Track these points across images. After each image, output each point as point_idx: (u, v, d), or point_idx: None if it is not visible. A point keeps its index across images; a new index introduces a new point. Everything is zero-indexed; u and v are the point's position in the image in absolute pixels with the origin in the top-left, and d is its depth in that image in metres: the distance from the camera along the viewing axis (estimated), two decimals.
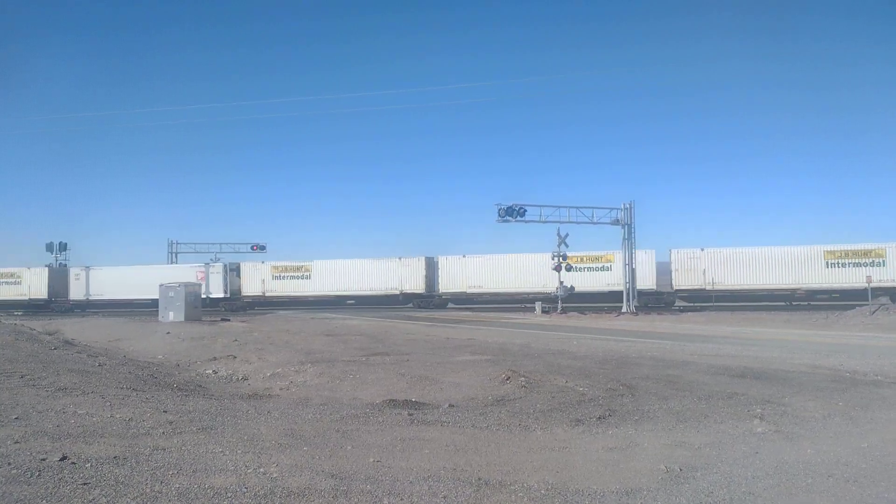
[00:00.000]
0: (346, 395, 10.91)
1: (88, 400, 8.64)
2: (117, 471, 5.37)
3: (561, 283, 37.37)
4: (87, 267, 48.18)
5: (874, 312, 27.28)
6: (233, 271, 46.23)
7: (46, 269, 48.98)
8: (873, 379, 11.65)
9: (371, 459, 6.08)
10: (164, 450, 6.11)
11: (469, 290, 42.31)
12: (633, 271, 37.06)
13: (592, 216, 36.86)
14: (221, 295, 45.23)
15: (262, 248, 56.92)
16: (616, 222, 37.04)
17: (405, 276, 43.30)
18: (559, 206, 36.38)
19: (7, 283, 48.32)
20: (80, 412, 7.69)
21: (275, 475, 5.45)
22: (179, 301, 28.78)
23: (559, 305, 37.19)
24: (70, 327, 25.82)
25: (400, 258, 43.86)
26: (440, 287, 42.94)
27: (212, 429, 7.17)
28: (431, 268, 43.61)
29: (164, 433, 6.85)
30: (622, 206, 37.07)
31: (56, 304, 47.52)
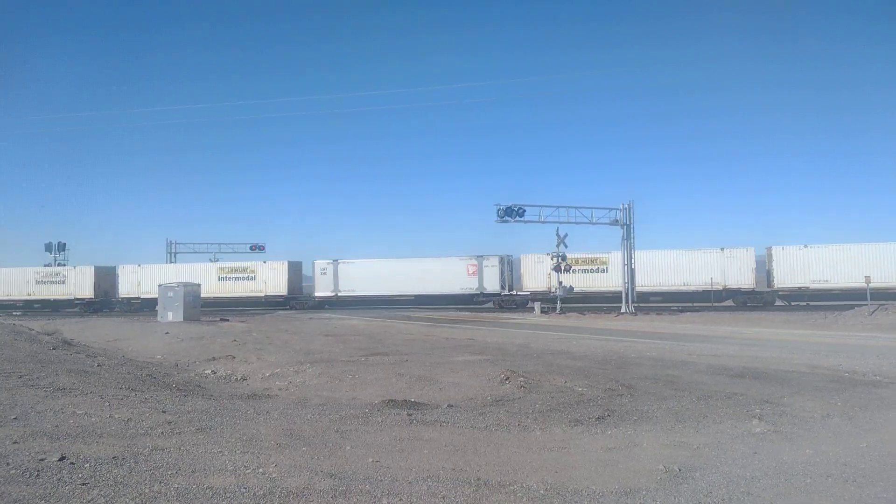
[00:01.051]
0: (345, 396, 10.90)
1: (87, 400, 8.64)
2: (116, 471, 5.37)
3: (560, 283, 37.37)
4: (335, 260, 44.56)
5: (873, 313, 27.29)
6: (509, 264, 43.21)
7: (285, 263, 46.06)
8: (872, 379, 11.65)
9: (370, 459, 6.08)
10: (163, 450, 6.11)
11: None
12: (632, 271, 37.06)
13: (592, 216, 36.85)
14: (497, 290, 42.31)
15: (262, 248, 56.94)
16: (615, 222, 37.04)
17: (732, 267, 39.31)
18: (558, 207, 36.39)
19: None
20: (78, 412, 7.69)
21: (274, 475, 5.45)
22: (178, 301, 28.75)
23: (558, 305, 37.19)
24: (69, 327, 25.79)
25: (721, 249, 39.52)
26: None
27: (211, 429, 7.17)
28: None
29: (162, 433, 6.85)
30: (621, 207, 37.07)
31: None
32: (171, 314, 28.54)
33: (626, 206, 37.03)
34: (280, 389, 11.92)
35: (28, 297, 46.82)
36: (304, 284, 48.36)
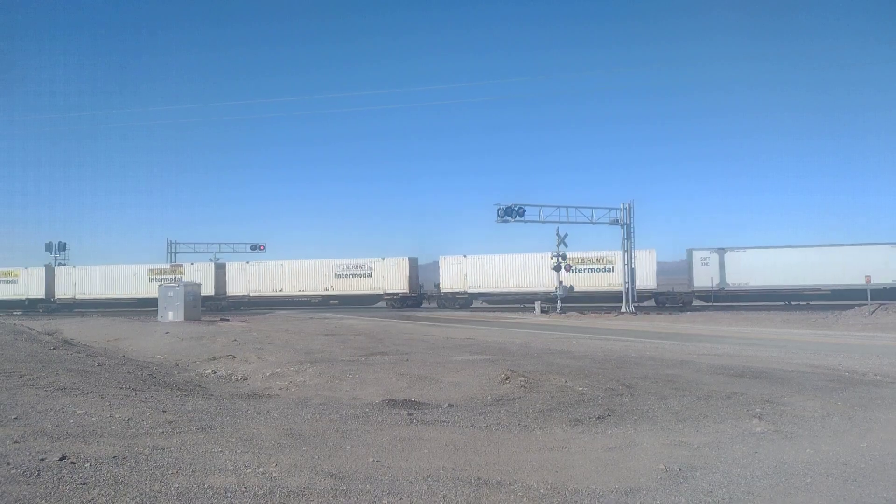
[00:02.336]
0: (345, 395, 10.91)
1: (88, 400, 8.64)
2: (116, 470, 5.37)
3: (560, 282, 37.37)
4: (721, 249, 40.48)
5: (873, 312, 27.28)
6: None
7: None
8: (872, 379, 11.65)
9: (370, 459, 6.08)
10: (164, 449, 6.11)
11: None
12: (632, 271, 37.06)
13: (592, 216, 36.90)
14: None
15: (262, 248, 56.92)
16: (615, 222, 37.07)
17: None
18: (558, 206, 36.45)
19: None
20: (79, 412, 7.69)
21: (274, 475, 5.45)
22: (178, 301, 28.78)
23: (559, 305, 37.19)
24: (69, 327, 25.80)
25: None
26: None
27: (211, 428, 7.17)
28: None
29: (163, 433, 6.85)
30: (621, 206, 37.11)
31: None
32: (171, 314, 28.56)
33: (627, 205, 37.06)
34: (280, 389, 11.93)
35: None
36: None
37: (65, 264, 51.36)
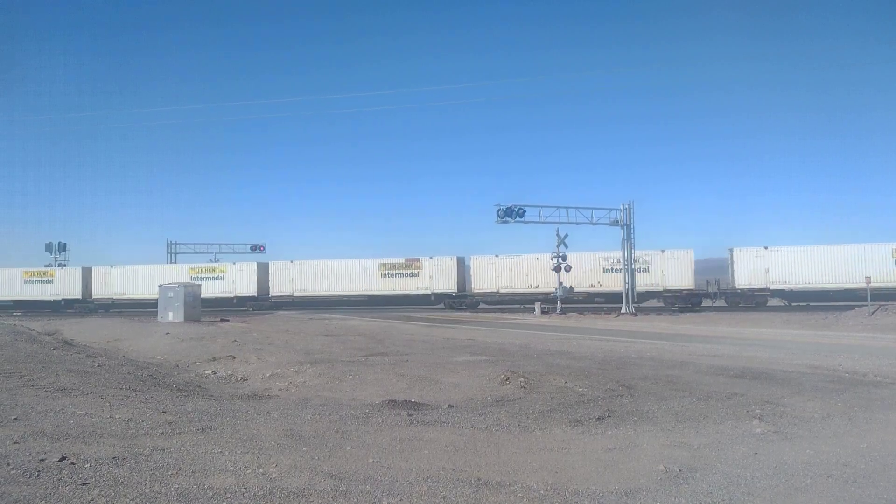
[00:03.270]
0: (345, 396, 10.90)
1: (87, 400, 8.64)
2: (116, 471, 5.37)
3: (560, 283, 37.37)
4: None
5: (873, 313, 27.28)
6: None
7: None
8: (872, 379, 11.65)
9: (370, 460, 6.08)
10: (164, 450, 6.11)
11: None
12: (632, 272, 37.06)
13: (592, 217, 36.88)
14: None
15: (262, 248, 56.97)
16: (615, 223, 37.05)
17: None
18: (558, 207, 36.41)
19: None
20: (79, 412, 7.69)
21: (274, 475, 5.45)
22: (178, 301, 28.76)
23: (559, 306, 37.19)
24: (69, 327, 25.80)
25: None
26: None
27: (211, 429, 7.17)
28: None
29: (163, 433, 6.85)
30: (621, 207, 37.09)
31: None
32: (171, 314, 28.55)
33: (627, 206, 37.04)
34: (280, 390, 11.92)
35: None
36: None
37: (65, 265, 51.32)
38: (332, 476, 5.51)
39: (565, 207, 36.45)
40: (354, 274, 44.42)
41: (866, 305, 31.55)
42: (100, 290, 47.62)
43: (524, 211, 35.51)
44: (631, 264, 37.05)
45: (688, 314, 34.54)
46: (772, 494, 5.25)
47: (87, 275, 48.42)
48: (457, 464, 6.03)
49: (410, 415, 8.50)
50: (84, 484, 5.02)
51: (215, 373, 14.21)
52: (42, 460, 5.55)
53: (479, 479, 5.53)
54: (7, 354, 13.39)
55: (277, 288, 45.38)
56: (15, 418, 7.23)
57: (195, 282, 37.45)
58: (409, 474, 5.64)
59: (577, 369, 12.72)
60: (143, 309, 44.12)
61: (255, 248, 56.97)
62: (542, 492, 5.26)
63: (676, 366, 13.24)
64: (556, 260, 37.06)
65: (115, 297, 47.26)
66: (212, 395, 10.69)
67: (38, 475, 5.17)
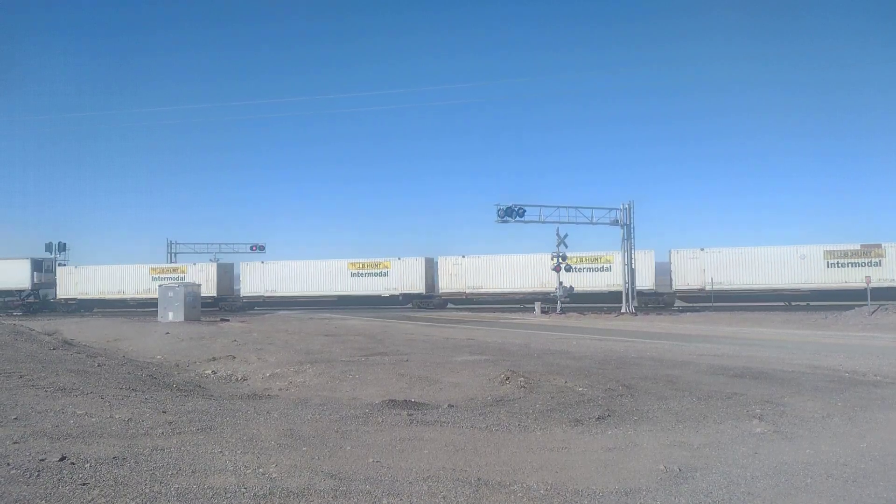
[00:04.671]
0: (345, 396, 10.90)
1: (87, 400, 8.64)
2: (116, 471, 5.37)
3: (560, 283, 37.36)
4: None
5: (873, 313, 27.28)
6: None
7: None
8: (872, 379, 11.65)
9: (370, 460, 6.08)
10: (164, 450, 6.11)
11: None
12: (632, 272, 37.07)
13: (592, 216, 36.85)
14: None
15: (262, 248, 56.88)
16: (615, 222, 37.03)
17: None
18: (559, 207, 36.38)
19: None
20: (79, 412, 7.69)
21: (274, 475, 5.45)
22: (178, 301, 28.77)
23: (559, 305, 37.18)
24: (69, 327, 25.80)
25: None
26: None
27: (211, 429, 7.17)
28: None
29: (163, 433, 6.85)
30: (621, 207, 37.07)
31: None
32: (171, 314, 28.56)
33: (627, 206, 37.02)
34: (280, 389, 11.93)
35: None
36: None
37: (65, 264, 51.25)
38: (332, 476, 5.51)
39: (565, 207, 36.45)
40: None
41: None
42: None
43: (524, 211, 35.49)
44: (632, 264, 37.05)
45: (688, 314, 34.53)
46: (772, 494, 5.25)
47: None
48: (457, 463, 6.03)
49: (410, 414, 8.50)
50: (84, 484, 5.02)
51: (215, 373, 14.21)
52: (42, 460, 5.55)
53: (479, 479, 5.53)
54: (7, 354, 13.39)
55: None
56: (15, 418, 7.23)
57: (195, 282, 37.41)
58: (409, 474, 5.64)
59: (577, 369, 12.73)
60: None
61: (256, 248, 56.88)
62: (542, 491, 5.26)
63: (676, 365, 13.24)
64: (556, 259, 37.03)
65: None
66: (212, 395, 10.68)
67: (38, 475, 5.17)
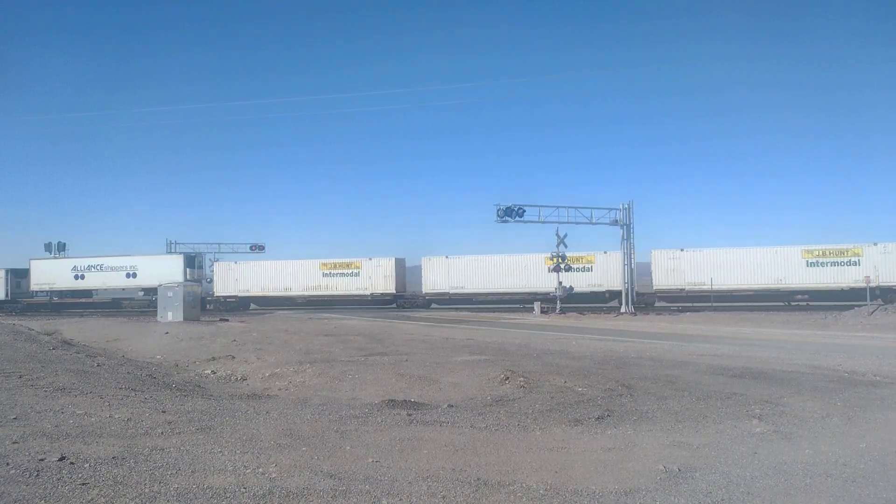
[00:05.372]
0: (344, 396, 10.90)
1: (87, 400, 8.64)
2: (116, 471, 5.37)
3: (560, 283, 37.39)
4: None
5: (872, 313, 27.30)
6: None
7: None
8: (872, 379, 11.65)
9: (370, 459, 6.08)
10: (163, 450, 6.11)
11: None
12: (632, 271, 37.08)
13: (591, 216, 36.87)
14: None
15: (261, 248, 56.81)
16: (615, 222, 37.05)
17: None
18: (558, 207, 36.40)
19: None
20: (78, 412, 7.69)
21: (273, 475, 5.45)
22: (178, 301, 28.75)
23: (558, 306, 37.19)
24: (68, 327, 25.80)
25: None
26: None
27: (210, 429, 7.17)
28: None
29: (162, 433, 6.85)
30: (621, 207, 37.09)
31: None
32: (170, 314, 28.53)
33: (626, 206, 37.05)
34: (280, 389, 11.93)
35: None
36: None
37: (210, 260, 51.12)
38: (331, 476, 5.51)
39: (565, 207, 36.46)
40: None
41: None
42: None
43: (524, 211, 35.50)
44: (631, 264, 37.07)
45: (687, 314, 34.54)
46: (771, 494, 5.25)
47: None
48: (456, 463, 6.03)
49: (410, 414, 8.50)
50: (83, 484, 5.02)
51: (215, 372, 14.21)
52: (41, 460, 5.55)
53: (478, 479, 5.53)
54: (6, 354, 13.39)
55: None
56: (14, 418, 7.23)
57: (194, 282, 37.38)
58: (408, 474, 5.64)
59: (577, 369, 12.73)
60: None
61: (255, 248, 56.82)
62: (541, 491, 5.26)
63: (676, 365, 13.24)
64: (555, 260, 37.07)
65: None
66: (211, 395, 10.68)
67: (38, 475, 5.17)
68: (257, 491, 5.01)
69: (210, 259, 49.70)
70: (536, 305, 37.62)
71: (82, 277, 48.79)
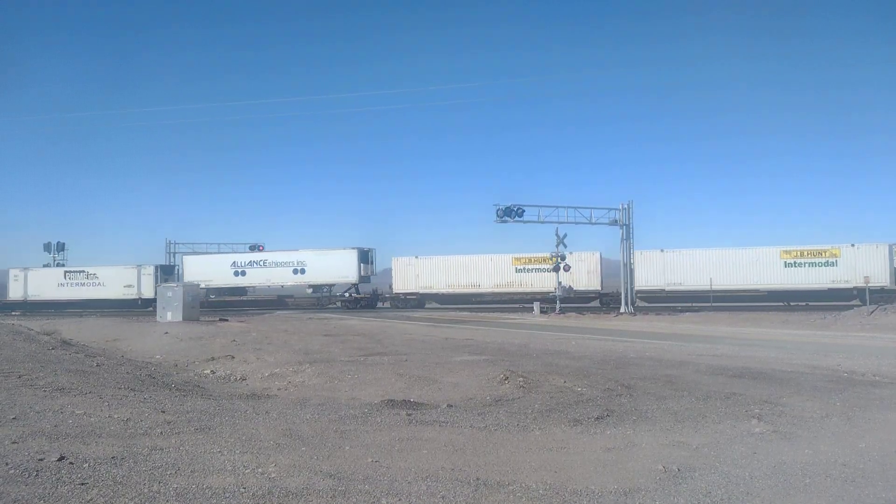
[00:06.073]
0: (344, 396, 10.90)
1: (86, 400, 8.63)
2: (115, 471, 5.36)
3: (560, 282, 37.39)
4: None
5: (872, 313, 27.32)
6: None
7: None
8: (871, 379, 11.66)
9: (369, 459, 6.08)
10: (163, 450, 6.11)
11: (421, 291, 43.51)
12: (631, 271, 37.09)
13: (591, 216, 36.88)
14: None
15: (261, 248, 56.79)
16: (614, 222, 37.06)
17: None
18: (557, 207, 36.40)
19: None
20: (77, 412, 7.68)
21: (273, 475, 5.45)
22: (177, 301, 28.73)
23: (557, 306, 37.20)
24: (67, 327, 25.78)
25: None
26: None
27: (210, 429, 7.17)
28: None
29: (162, 433, 6.84)
30: (620, 207, 37.10)
31: None
32: (170, 314, 28.51)
33: (626, 206, 37.06)
34: (279, 389, 11.92)
35: None
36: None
37: (63, 264, 51.13)
38: (330, 476, 5.51)
39: (564, 207, 36.47)
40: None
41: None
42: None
43: (523, 211, 35.51)
44: (631, 264, 37.09)
45: (687, 314, 34.55)
46: (770, 494, 5.26)
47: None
48: (456, 463, 6.03)
49: (409, 414, 8.50)
50: (83, 484, 5.02)
51: (214, 372, 14.21)
52: (41, 460, 5.55)
53: (478, 479, 5.53)
54: (6, 354, 13.38)
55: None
56: (13, 418, 7.22)
57: (194, 282, 37.33)
58: (408, 474, 5.64)
59: (576, 369, 12.73)
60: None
61: (255, 248, 56.82)
62: (540, 491, 5.26)
63: (675, 365, 13.24)
64: (555, 259, 37.07)
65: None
66: (210, 395, 10.68)
67: (37, 475, 5.17)
68: (257, 491, 5.01)
69: (378, 255, 47.53)
70: (536, 305, 37.64)
71: (243, 274, 46.77)
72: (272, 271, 46.41)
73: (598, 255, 40.78)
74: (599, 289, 40.75)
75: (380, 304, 45.26)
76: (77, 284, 47.72)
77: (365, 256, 45.88)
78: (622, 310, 36.29)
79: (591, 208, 37.02)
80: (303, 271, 45.58)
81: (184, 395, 10.14)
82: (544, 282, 40.25)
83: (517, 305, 40.80)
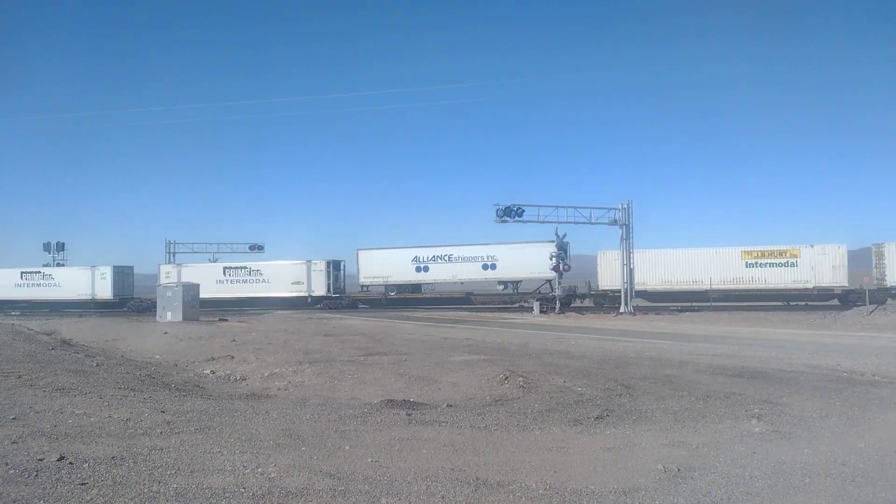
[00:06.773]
0: (344, 396, 10.90)
1: (86, 400, 8.63)
2: (115, 471, 5.36)
3: (560, 283, 37.38)
4: None
5: (871, 313, 27.33)
6: None
7: None
8: (870, 379, 11.67)
9: (369, 459, 6.08)
10: (162, 450, 6.11)
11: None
12: (631, 271, 37.07)
13: (591, 216, 36.83)
14: None
15: (261, 247, 56.79)
16: (614, 222, 37.02)
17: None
18: (557, 206, 36.36)
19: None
20: (77, 412, 7.68)
21: (273, 475, 5.45)
22: (177, 301, 28.73)
23: (557, 306, 37.20)
24: (67, 327, 25.77)
25: None
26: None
27: (210, 429, 7.17)
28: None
29: (161, 433, 6.84)
30: (620, 206, 37.07)
31: None
32: (170, 314, 28.51)
33: (625, 205, 37.02)
34: (279, 389, 11.92)
35: None
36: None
37: (63, 264, 51.06)
38: (330, 476, 5.51)
39: (564, 207, 36.43)
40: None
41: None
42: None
43: (523, 210, 35.48)
44: (630, 264, 37.06)
45: (687, 314, 34.56)
46: (770, 494, 5.26)
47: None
48: (456, 463, 6.04)
49: (409, 414, 8.50)
50: (82, 484, 5.02)
51: (214, 372, 14.20)
52: (40, 460, 5.55)
53: (477, 479, 5.53)
54: (5, 354, 13.38)
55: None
56: (13, 418, 7.22)
57: (194, 282, 37.29)
58: (407, 474, 5.64)
59: (576, 369, 12.73)
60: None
61: (254, 248, 56.80)
62: (540, 491, 5.26)
63: (675, 365, 13.25)
64: (554, 259, 37.06)
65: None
66: (210, 395, 10.68)
67: (37, 475, 5.17)
68: (256, 491, 5.01)
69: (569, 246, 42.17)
70: (536, 305, 37.63)
71: (426, 269, 43.86)
72: (458, 266, 43.56)
73: (844, 248, 37.70)
74: (846, 285, 37.78)
75: (580, 302, 41.10)
76: (241, 282, 47.13)
77: (564, 249, 39.45)
78: (622, 310, 36.27)
79: (590, 208, 37.00)
80: (493, 266, 42.91)
81: (183, 395, 10.14)
82: (778, 277, 37.60)
83: (744, 304, 38.03)
